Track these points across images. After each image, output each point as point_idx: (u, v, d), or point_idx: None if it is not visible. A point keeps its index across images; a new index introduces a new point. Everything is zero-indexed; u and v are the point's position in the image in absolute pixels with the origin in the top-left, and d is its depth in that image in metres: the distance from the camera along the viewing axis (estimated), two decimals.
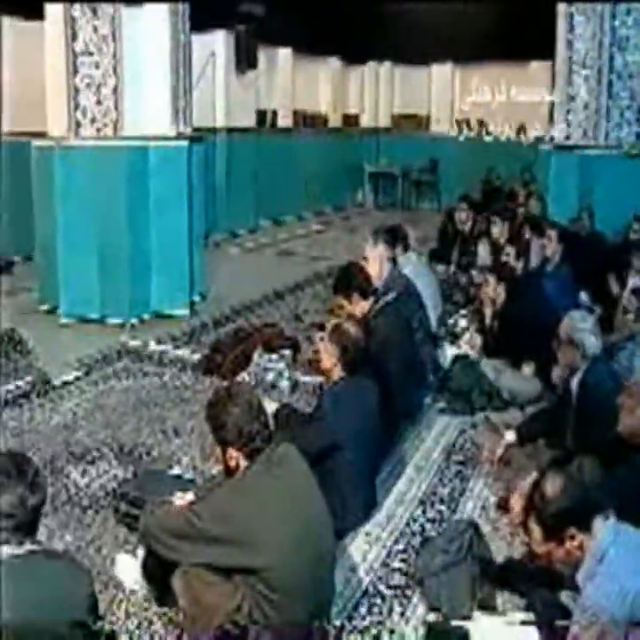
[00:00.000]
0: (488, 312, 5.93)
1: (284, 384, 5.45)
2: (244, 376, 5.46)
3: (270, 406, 3.85)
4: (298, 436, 3.61)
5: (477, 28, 14.05)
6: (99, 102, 7.10)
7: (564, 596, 2.88)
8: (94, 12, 6.95)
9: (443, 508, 4.07)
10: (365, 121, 16.60)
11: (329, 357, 3.91)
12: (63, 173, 7.11)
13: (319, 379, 5.02)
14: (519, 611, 3.17)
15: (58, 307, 7.25)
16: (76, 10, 6.93)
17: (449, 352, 5.65)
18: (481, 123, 14.88)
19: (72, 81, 7.05)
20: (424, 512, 4.02)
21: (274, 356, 5.56)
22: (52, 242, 7.19)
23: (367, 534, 3.79)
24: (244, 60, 12.07)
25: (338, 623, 3.13)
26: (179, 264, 7.41)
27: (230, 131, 11.92)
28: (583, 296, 6.43)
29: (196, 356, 6.21)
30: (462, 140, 14.78)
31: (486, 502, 4.12)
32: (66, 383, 5.68)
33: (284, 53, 13.91)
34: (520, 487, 3.46)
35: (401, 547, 3.71)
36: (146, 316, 7.29)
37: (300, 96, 14.56)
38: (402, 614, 3.24)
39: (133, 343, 6.60)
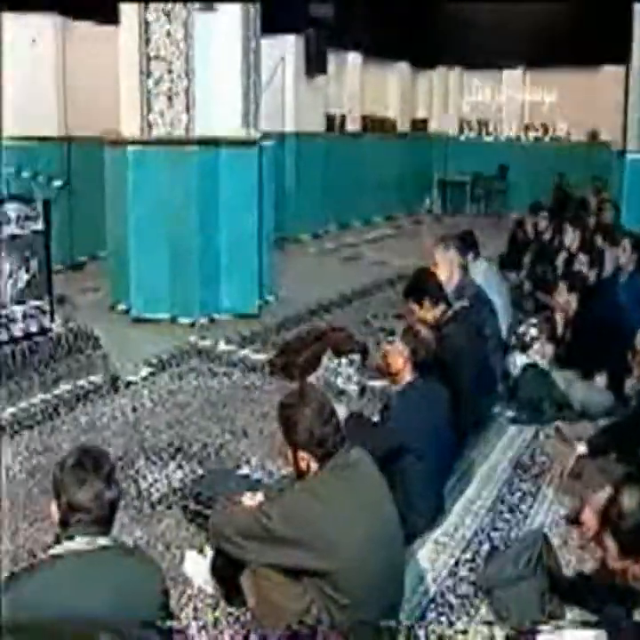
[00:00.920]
0: (560, 321, 5.84)
1: (353, 388, 5.45)
2: (312, 379, 5.47)
3: (340, 410, 3.85)
4: (366, 437, 3.61)
5: (548, 32, 13.88)
6: (171, 105, 7.21)
7: (639, 615, 2.81)
8: (168, 16, 7.07)
9: (511, 518, 4.01)
10: (434, 126, 16.51)
11: (399, 358, 3.90)
12: (135, 174, 7.25)
13: (387, 384, 5.00)
14: (589, 627, 3.10)
15: (128, 305, 7.39)
16: (150, 14, 7.05)
17: (519, 361, 5.56)
18: (545, 128, 14.70)
19: (145, 83, 7.19)
20: (492, 522, 3.97)
21: (343, 360, 5.56)
22: (124, 241, 7.34)
23: (435, 542, 3.76)
24: (314, 65, 12.10)
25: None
26: (248, 265, 7.48)
27: (299, 135, 11.96)
28: None
29: (265, 357, 6.25)
30: (531, 144, 14.60)
31: (556, 515, 4.04)
32: (136, 381, 5.78)
33: (354, 58, 13.93)
34: (593, 501, 3.38)
35: (469, 556, 3.67)
36: (215, 316, 7.37)
37: (369, 100, 14.55)
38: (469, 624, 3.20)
39: (203, 343, 6.68)
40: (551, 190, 12.34)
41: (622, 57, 9.08)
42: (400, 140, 15.29)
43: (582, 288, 5.94)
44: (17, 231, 5.87)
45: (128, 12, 7.24)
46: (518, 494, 4.26)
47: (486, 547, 3.73)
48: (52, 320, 6.16)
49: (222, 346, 6.61)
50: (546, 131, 15.59)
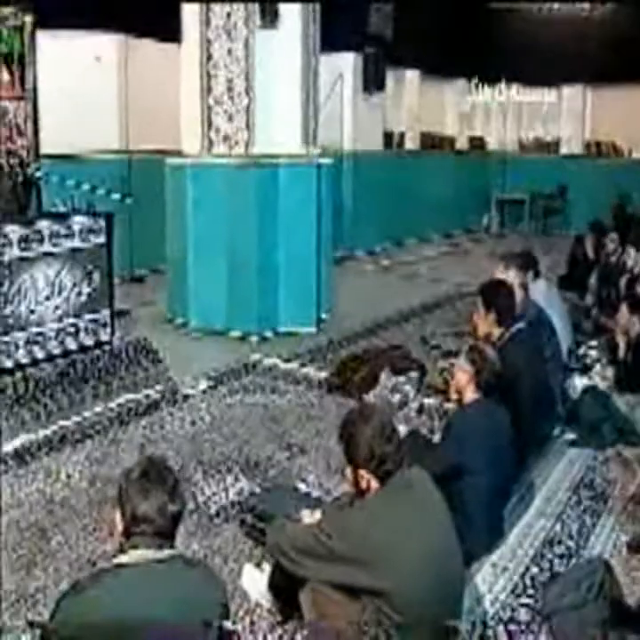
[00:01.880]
0: (622, 344, 5.74)
1: (411, 407, 5.43)
2: (370, 397, 5.47)
3: (399, 429, 3.84)
4: (426, 456, 3.59)
5: (609, 48, 13.72)
6: (231, 121, 7.30)
7: None
8: (228, 33, 7.17)
9: (571, 543, 3.94)
10: (492, 144, 16.42)
11: (462, 377, 3.87)
12: (195, 190, 7.36)
13: (446, 404, 4.98)
14: None
15: (186, 319, 7.48)
16: (212, 32, 7.17)
17: (579, 383, 5.49)
18: (614, 146, 14.48)
19: (206, 100, 7.30)
20: (551, 547, 3.90)
21: (401, 378, 5.55)
22: (183, 256, 7.44)
23: (493, 565, 3.71)
24: (372, 82, 12.16)
25: None
26: (306, 282, 7.51)
27: (357, 152, 12.00)
28: None
29: (323, 374, 6.26)
30: (591, 162, 14.42)
31: (617, 541, 3.96)
32: (194, 394, 5.84)
33: (412, 75, 13.94)
34: None
35: (528, 581, 3.61)
36: (273, 332, 7.42)
37: (427, 118, 14.54)
38: None
39: (260, 358, 6.72)
40: (611, 209, 12.15)
41: None
42: (458, 158, 15.24)
43: None
44: (80, 244, 6.01)
45: (189, 30, 7.37)
46: (578, 519, 4.18)
47: (545, 572, 3.67)
48: (113, 332, 6.28)
49: (279, 362, 6.65)
50: (606, 148, 15.40)
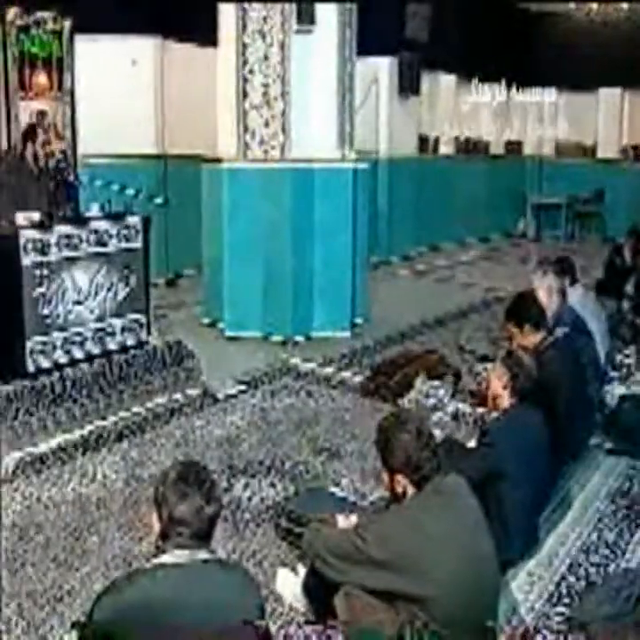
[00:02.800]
0: None
1: (445, 412, 5.40)
2: (405, 402, 5.45)
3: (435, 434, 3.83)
4: (461, 462, 3.58)
5: None
6: (267, 125, 7.32)
7: None
8: (264, 38, 7.19)
9: (608, 553, 3.89)
10: (528, 148, 16.30)
11: (498, 383, 3.85)
12: (231, 193, 7.38)
13: (481, 409, 4.94)
14: None
15: (221, 321, 7.51)
16: (248, 36, 7.19)
17: (617, 390, 5.43)
18: None
19: (242, 104, 7.32)
20: (588, 555, 3.86)
21: (436, 384, 5.53)
22: (219, 259, 7.47)
23: (529, 573, 3.68)
24: (408, 86, 12.11)
25: None
26: (341, 286, 7.51)
27: (392, 156, 11.97)
28: None
29: (357, 379, 6.25)
30: (629, 167, 14.25)
31: None
32: (229, 397, 5.86)
33: (447, 79, 13.89)
34: None
35: (564, 590, 3.58)
36: (307, 336, 7.42)
37: (462, 122, 14.48)
38: None
39: (295, 361, 6.73)
40: None
41: None
42: (493, 162, 15.14)
43: None
44: (118, 246, 6.06)
45: (226, 35, 7.40)
46: (615, 528, 4.13)
47: (582, 581, 3.63)
48: (149, 334, 6.32)
49: (314, 365, 6.65)
50: None
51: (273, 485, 4.46)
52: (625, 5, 14.46)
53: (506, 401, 3.84)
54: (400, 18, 11.65)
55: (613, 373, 5.88)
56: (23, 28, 8.00)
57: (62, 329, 5.68)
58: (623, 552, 3.91)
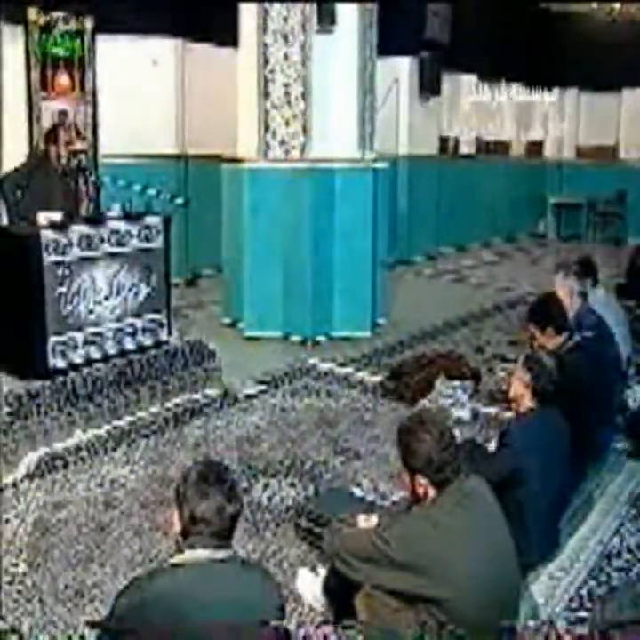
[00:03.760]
0: None
1: (465, 414, 5.38)
2: (425, 402, 5.44)
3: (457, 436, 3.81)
4: (482, 464, 3.56)
5: None
6: (287, 125, 7.33)
7: None
8: (285, 38, 7.20)
9: (629, 557, 3.86)
10: (549, 149, 16.22)
11: (519, 385, 3.83)
12: (252, 193, 7.39)
13: (500, 411, 4.93)
14: None
15: (241, 321, 7.53)
16: (268, 37, 7.20)
17: (638, 393, 5.38)
18: None
19: (263, 104, 7.33)
20: (609, 560, 3.83)
21: (456, 384, 5.51)
22: (239, 259, 7.48)
23: (550, 576, 3.66)
24: (428, 87, 12.08)
25: None
26: (362, 286, 7.49)
27: (412, 157, 11.95)
28: None
29: (377, 379, 6.25)
30: None
31: None
32: (249, 397, 5.87)
33: (468, 80, 13.84)
34: None
35: (585, 594, 3.55)
36: (327, 336, 7.42)
37: (483, 123, 14.42)
38: None
39: (315, 362, 6.73)
40: None
41: None
42: (514, 163, 15.08)
43: None
44: (139, 246, 6.08)
45: (247, 35, 7.41)
46: (637, 532, 4.10)
47: (603, 586, 3.60)
48: (169, 333, 6.34)
49: (334, 366, 6.65)
50: None
51: (293, 485, 4.46)
52: None
53: (527, 403, 3.81)
54: (421, 18, 11.61)
55: (635, 376, 5.83)
56: (45, 29, 8.08)
57: (83, 328, 5.71)
58: None
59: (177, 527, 2.41)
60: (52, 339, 5.52)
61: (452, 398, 5.44)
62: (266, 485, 4.45)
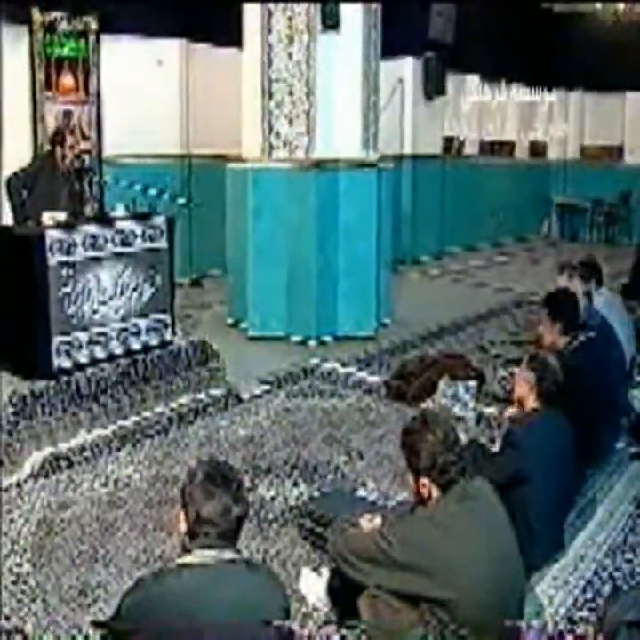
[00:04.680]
0: None
1: (469, 415, 5.38)
2: (428, 403, 5.44)
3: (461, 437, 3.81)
4: (486, 465, 3.56)
5: None
6: (291, 126, 7.33)
7: None
8: (289, 39, 7.20)
9: (633, 558, 3.86)
10: (553, 150, 16.20)
11: (523, 386, 3.83)
12: (256, 194, 7.39)
13: (505, 413, 4.91)
14: None
15: (245, 321, 7.53)
16: (273, 37, 7.21)
17: None
18: None
19: (267, 105, 7.33)
20: (613, 561, 3.83)
21: (460, 385, 5.51)
22: (243, 260, 7.48)
23: (554, 577, 3.66)
24: (433, 87, 12.08)
25: None
26: (366, 287, 7.50)
27: (417, 157, 11.95)
28: None
29: (381, 379, 6.25)
30: None
31: None
32: (253, 397, 5.88)
33: (473, 80, 13.84)
34: None
35: (589, 595, 3.55)
36: (331, 337, 7.42)
37: (487, 123, 14.42)
38: None
39: (319, 362, 6.73)
40: None
41: None
42: (518, 164, 15.07)
43: None
44: (143, 246, 6.08)
45: (251, 35, 7.42)
46: None
47: (607, 587, 3.60)
48: (174, 334, 6.34)
49: (338, 366, 6.64)
50: None
51: (296, 486, 4.47)
52: None
53: (531, 404, 3.82)
54: (425, 19, 11.61)
55: (638, 377, 5.83)
56: (49, 29, 8.09)
57: (87, 328, 5.71)
58: None
59: (183, 527, 2.41)
60: (57, 339, 5.52)
61: (456, 399, 5.44)
62: (270, 486, 4.46)
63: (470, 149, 13.90)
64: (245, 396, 5.87)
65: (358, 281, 7.43)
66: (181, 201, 6.95)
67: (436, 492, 2.82)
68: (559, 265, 5.97)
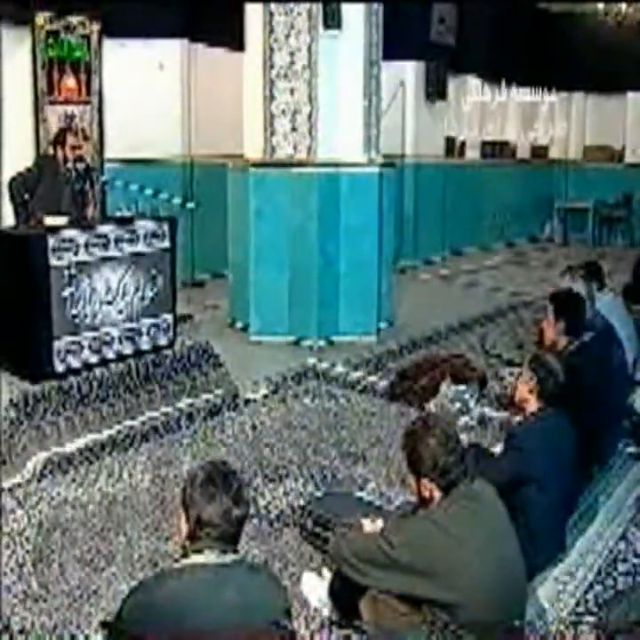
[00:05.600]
0: None
1: (471, 418, 5.38)
2: (430, 406, 5.44)
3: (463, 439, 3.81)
4: (487, 467, 3.56)
5: None
6: (293, 128, 7.34)
7: None
8: (291, 41, 7.20)
9: (636, 561, 3.85)
10: (555, 152, 16.21)
11: (525, 388, 3.82)
12: (258, 196, 7.39)
13: (507, 415, 4.92)
14: None
15: (247, 324, 7.53)
16: (275, 40, 7.22)
17: None
18: None
19: (269, 107, 7.33)
20: (615, 564, 3.82)
21: (461, 388, 5.50)
22: (245, 261, 7.49)
23: (556, 580, 3.66)
24: (434, 90, 12.10)
25: None
26: (367, 289, 7.50)
27: (418, 160, 11.96)
28: None
29: (383, 382, 6.25)
30: None
31: None
32: (255, 400, 5.88)
33: (474, 83, 13.84)
34: None
35: (591, 598, 3.54)
36: (333, 339, 7.42)
37: (489, 126, 14.43)
38: None
39: (320, 365, 6.73)
40: None
41: None
42: (520, 166, 15.08)
43: None
44: (144, 248, 6.08)
45: (252, 38, 7.43)
46: None
47: (609, 590, 3.60)
48: (175, 336, 6.35)
49: (340, 369, 6.65)
50: None
51: (298, 488, 4.46)
52: None
53: (532, 405, 3.81)
54: (426, 22, 11.63)
55: None
56: (52, 33, 8.09)
57: (89, 329, 5.72)
58: None
59: (184, 529, 2.41)
60: (58, 342, 5.52)
61: (458, 402, 5.44)
62: (271, 488, 4.45)
63: (471, 150, 13.90)
64: (247, 397, 5.87)
65: (360, 283, 7.44)
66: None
67: (437, 494, 2.82)
68: (563, 267, 5.97)
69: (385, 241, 7.72)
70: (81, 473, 4.63)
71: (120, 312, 5.93)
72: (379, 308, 7.65)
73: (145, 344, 6.11)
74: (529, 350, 5.58)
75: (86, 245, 5.67)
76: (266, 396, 5.96)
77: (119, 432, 5.18)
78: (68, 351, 5.58)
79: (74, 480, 4.53)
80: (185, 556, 2.39)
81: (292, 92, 7.30)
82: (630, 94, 15.24)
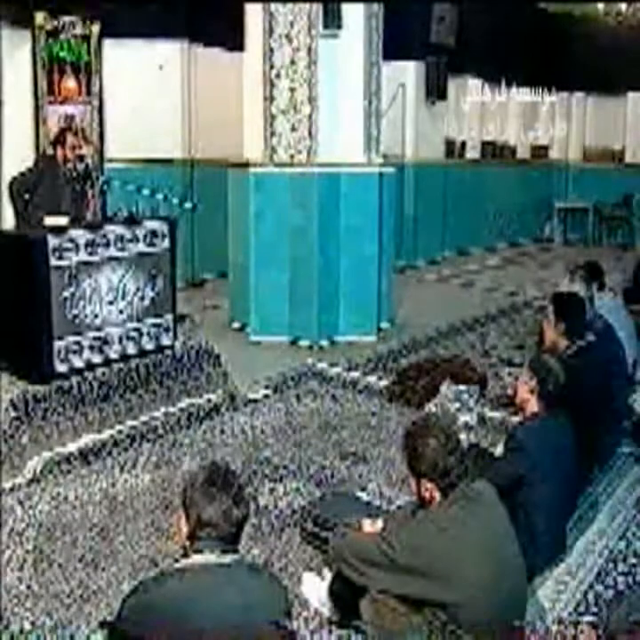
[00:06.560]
0: None
1: (471, 418, 5.37)
2: (430, 407, 5.44)
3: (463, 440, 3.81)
4: (488, 468, 3.56)
5: None
6: (294, 129, 7.34)
7: None
8: (291, 41, 7.21)
9: (636, 561, 3.85)
10: (555, 152, 16.21)
11: (525, 389, 3.82)
12: (258, 197, 7.40)
13: (507, 415, 4.92)
14: None
15: (247, 325, 7.53)
16: (274, 41, 7.21)
17: None
18: None
19: (269, 108, 7.34)
20: (615, 564, 3.82)
21: (461, 388, 5.50)
22: (245, 262, 7.49)
23: (556, 580, 3.66)
24: (434, 91, 12.10)
25: None
26: (368, 290, 7.51)
27: (418, 161, 11.96)
28: None
29: (383, 383, 6.25)
30: None
31: None
32: (255, 400, 5.88)
33: (474, 84, 13.84)
34: None
35: (591, 598, 3.54)
36: (333, 340, 7.43)
37: (489, 127, 14.42)
38: None
39: (321, 366, 6.73)
40: None
41: None
42: (520, 167, 15.08)
43: None
44: (145, 249, 6.08)
45: (253, 39, 7.43)
46: None
47: (609, 590, 3.60)
48: (175, 337, 6.34)
49: (340, 369, 6.65)
50: None
51: (298, 489, 4.46)
52: None
53: (533, 406, 3.81)
54: (427, 22, 11.63)
55: None
56: (52, 33, 8.09)
57: (89, 331, 5.71)
58: None
59: (184, 530, 2.41)
60: (58, 342, 5.52)
61: (458, 403, 5.44)
62: (271, 489, 4.45)
63: (472, 151, 13.90)
64: (247, 398, 5.87)
65: (360, 284, 7.45)
66: (186, 205, 6.93)
67: (437, 495, 2.82)
68: (565, 268, 5.98)
69: (385, 241, 7.73)
70: (81, 473, 4.63)
71: (120, 312, 5.92)
72: (379, 308, 7.66)
73: (145, 344, 6.10)
74: (529, 350, 5.58)
75: (87, 245, 5.66)
76: (266, 396, 5.96)
77: (120, 432, 5.18)
78: (68, 351, 5.57)
79: (74, 481, 4.53)
80: (185, 556, 2.39)
81: (292, 92, 7.30)
82: (630, 94, 15.24)
